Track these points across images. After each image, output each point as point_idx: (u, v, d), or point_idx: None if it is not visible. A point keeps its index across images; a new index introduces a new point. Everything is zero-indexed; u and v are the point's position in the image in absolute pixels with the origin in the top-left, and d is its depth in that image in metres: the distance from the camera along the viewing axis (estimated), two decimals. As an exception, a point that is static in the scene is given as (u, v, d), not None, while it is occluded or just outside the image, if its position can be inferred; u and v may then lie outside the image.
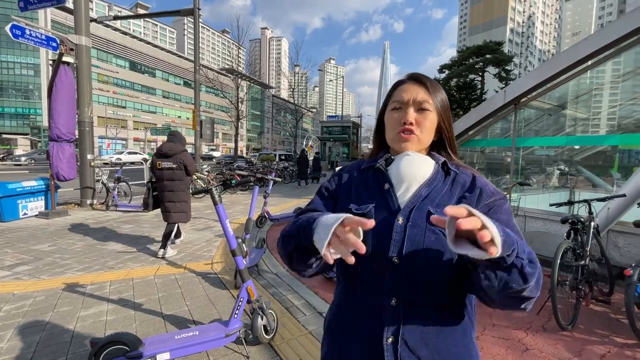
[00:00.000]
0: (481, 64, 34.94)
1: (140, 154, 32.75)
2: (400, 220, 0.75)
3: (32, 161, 25.75)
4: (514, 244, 0.58)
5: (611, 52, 3.92)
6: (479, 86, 36.45)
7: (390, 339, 0.72)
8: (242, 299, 2.15)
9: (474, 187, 0.79)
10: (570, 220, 2.87)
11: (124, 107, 52.15)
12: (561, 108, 6.06)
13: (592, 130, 8.08)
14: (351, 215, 0.61)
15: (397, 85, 0.87)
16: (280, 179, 4.56)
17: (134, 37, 53.83)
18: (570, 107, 6.35)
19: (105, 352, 1.86)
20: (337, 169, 0.88)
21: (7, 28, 6.08)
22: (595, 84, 6.70)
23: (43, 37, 6.62)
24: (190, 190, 3.81)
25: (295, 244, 0.74)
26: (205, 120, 12.19)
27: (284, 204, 8.58)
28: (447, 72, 37.57)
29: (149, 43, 56.97)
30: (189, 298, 3.01)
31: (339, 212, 0.76)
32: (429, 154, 0.86)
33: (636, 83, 6.71)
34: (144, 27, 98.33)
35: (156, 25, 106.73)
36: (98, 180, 7.77)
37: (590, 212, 3.07)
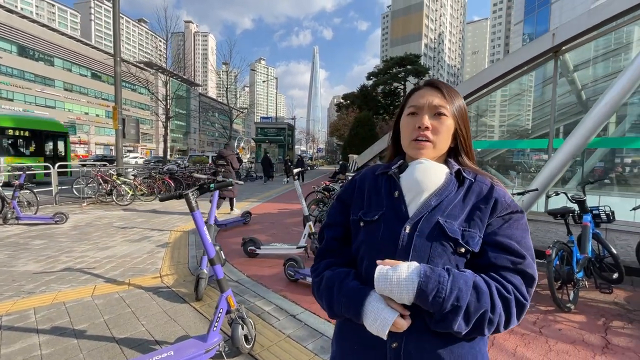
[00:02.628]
0: (403, 73, 38.33)
1: (36, 155, 27.41)
2: (408, 229, 0.74)
3: None
4: (440, 291, 0.63)
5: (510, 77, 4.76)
6: (402, 94, 39.95)
7: (395, 344, 0.71)
8: (221, 310, 2.02)
9: (489, 197, 0.76)
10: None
11: (11, 100, 43.28)
12: (480, 116, 7.05)
13: (489, 136, 9.59)
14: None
15: (414, 91, 0.86)
16: (242, 182, 4.39)
17: (24, 16, 45.18)
18: (482, 116, 7.44)
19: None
20: (350, 176, 1.05)
21: None
22: (490, 101, 8.02)
23: None
24: (161, 195, 3.39)
25: (338, 312, 0.77)
26: (129, 118, 10.93)
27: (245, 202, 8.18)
28: (374, 79, 40.27)
29: (44, 25, 48.36)
30: (143, 317, 2.69)
31: (353, 217, 0.85)
32: (445, 161, 0.84)
33: (517, 104, 8.24)
34: (37, 6, 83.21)
35: (53, 5, 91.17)
36: (-11, 188, 6.33)
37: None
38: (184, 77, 28.07)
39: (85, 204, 8.33)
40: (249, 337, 2.16)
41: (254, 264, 4.14)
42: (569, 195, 3.57)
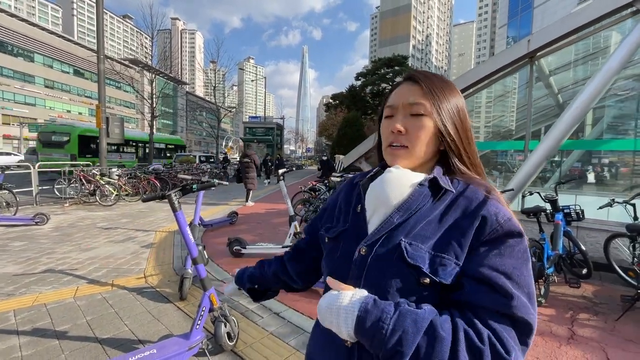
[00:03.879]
0: (391, 74, 38.70)
1: (15, 154, 26.54)
2: (363, 250, 0.64)
3: None
4: (380, 329, 0.51)
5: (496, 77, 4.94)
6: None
7: (348, 342, 0.63)
8: (204, 308, 2.06)
9: (475, 214, 0.60)
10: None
11: (-12, 96, 41.73)
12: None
13: (475, 136, 9.88)
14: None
15: (395, 87, 0.74)
16: (226, 183, 4.39)
17: (1, 10, 43.56)
18: (470, 117, 7.66)
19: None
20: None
21: None
22: (475, 102, 8.25)
23: None
24: (144, 196, 3.40)
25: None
26: (113, 117, 10.73)
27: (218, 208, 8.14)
28: (362, 80, 40.56)
29: (24, 20, 46.77)
30: (127, 317, 2.70)
31: (320, 231, 0.81)
32: (432, 168, 0.69)
33: (502, 105, 8.51)
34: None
35: (33, 0, 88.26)
36: (-35, 189, 6.15)
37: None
38: (170, 75, 27.64)
39: (67, 205, 8.16)
40: (232, 335, 2.21)
41: (240, 263, 4.18)
42: (542, 194, 3.75)
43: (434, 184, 0.65)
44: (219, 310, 2.15)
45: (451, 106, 0.68)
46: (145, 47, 23.88)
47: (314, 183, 7.54)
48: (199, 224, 5.65)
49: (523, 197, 4.23)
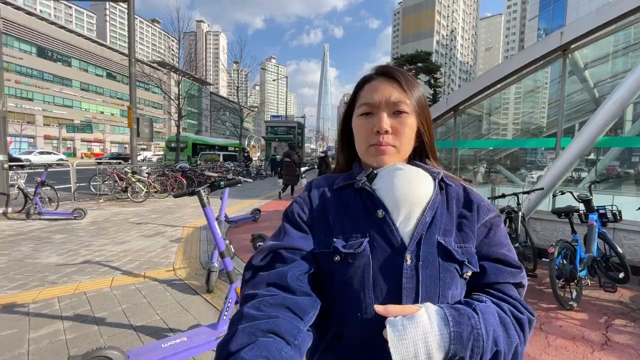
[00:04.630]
0: (414, 71, 37.99)
1: (55, 153, 28.41)
2: (409, 259, 0.56)
3: None
4: (478, 338, 0.47)
5: (528, 71, 4.75)
6: (412, 92, 39.64)
7: None
8: (230, 300, 2.15)
9: (470, 202, 0.65)
10: (506, 211, 3.42)
11: (31, 100, 44.81)
12: (488, 115, 7.01)
13: (502, 134, 9.49)
14: None
15: (364, 82, 0.69)
16: (250, 180, 4.54)
17: (43, 19, 46.61)
18: (494, 114, 7.40)
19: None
20: (305, 183, 0.68)
21: None
22: (504, 99, 7.94)
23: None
24: (175, 192, 3.57)
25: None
26: (143, 118, 11.23)
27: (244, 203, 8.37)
28: (384, 77, 40.07)
29: (62, 27, 49.77)
30: (158, 307, 2.85)
31: (317, 249, 0.61)
32: (412, 164, 0.69)
33: (532, 100, 8.13)
34: (55, 8, 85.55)
35: (70, 7, 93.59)
36: (13, 185, 6.68)
37: (518, 203, 3.70)
38: (195, 76, 28.50)
39: (102, 201, 8.66)
40: (257, 327, 2.29)
41: (263, 259, 4.28)
42: (575, 194, 3.58)
43: (441, 179, 0.66)
44: (244, 303, 2.23)
45: (422, 102, 0.68)
46: (172, 50, 24.77)
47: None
48: (224, 220, 5.85)
49: (554, 196, 4.05)
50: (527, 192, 3.83)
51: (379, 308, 0.50)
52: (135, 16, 10.66)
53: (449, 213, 0.63)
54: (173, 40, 25.42)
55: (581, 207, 3.47)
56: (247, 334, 0.46)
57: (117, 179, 9.08)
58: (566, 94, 4.86)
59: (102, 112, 55.31)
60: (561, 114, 4.56)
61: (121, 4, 10.28)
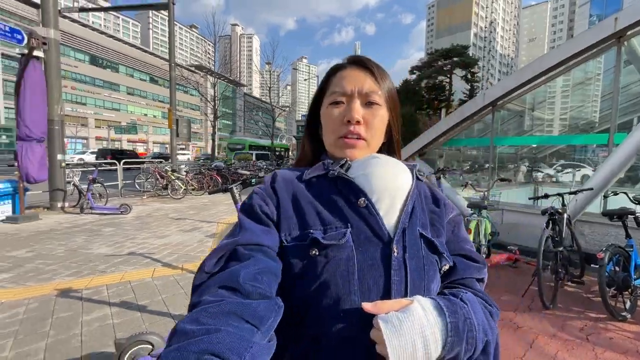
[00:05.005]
0: (449, 66, 36.56)
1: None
2: (396, 250, 0.52)
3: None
4: (471, 328, 0.46)
5: (575, 62, 4.38)
6: (447, 87, 38.16)
7: None
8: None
9: (437, 200, 0.65)
10: (549, 212, 3.20)
11: (84, 104, 48.94)
12: (531, 110, 6.58)
13: (547, 130, 8.83)
14: None
15: (335, 70, 0.66)
16: None
17: (94, 29, 50.66)
18: (537, 109, 6.93)
19: (130, 351, 1.86)
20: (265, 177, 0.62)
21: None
22: (549, 92, 7.38)
23: (7, 28, 6.15)
24: (210, 189, 3.77)
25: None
26: (181, 119, 11.86)
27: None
28: (417, 73, 38.97)
29: (111, 36, 53.82)
30: (194, 298, 3.01)
31: (285, 242, 0.54)
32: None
33: (581, 93, 7.47)
34: (105, 19, 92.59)
35: (118, 17, 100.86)
36: (69, 182, 7.34)
37: (563, 204, 3.44)
38: (230, 78, 29.58)
39: (145, 197, 9.27)
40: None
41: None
42: (631, 195, 3.26)
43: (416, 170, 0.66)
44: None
45: (393, 94, 0.67)
46: (209, 54, 25.86)
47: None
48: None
49: (605, 197, 3.72)
50: (574, 193, 3.55)
51: (367, 306, 0.46)
52: (175, 22, 11.25)
53: (422, 208, 0.62)
54: (209, 44, 26.54)
55: (638, 209, 3.16)
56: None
57: (159, 177, 9.67)
58: (621, 85, 4.44)
59: (145, 115, 59.08)
60: (615, 108, 4.17)
61: (162, 12, 10.93)
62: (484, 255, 3.85)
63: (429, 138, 5.71)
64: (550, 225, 3.23)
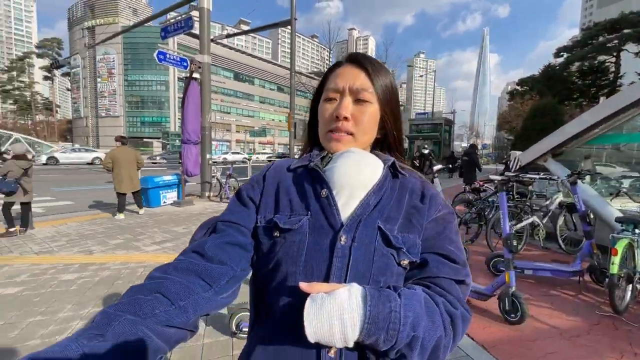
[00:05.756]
0: (616, 41, 28.58)
1: (241, 154, 37.24)
2: (344, 239, 0.56)
3: (164, 160, 31.67)
4: (394, 320, 0.46)
5: None
6: (612, 69, 29.88)
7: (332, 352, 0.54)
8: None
9: (425, 194, 0.65)
10: None
11: (229, 113, 59.73)
12: None
13: None
14: None
15: (333, 68, 0.70)
16: None
17: (237, 50, 61.10)
18: None
19: (238, 315, 2.26)
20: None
21: (155, 54, 7.67)
22: None
23: (178, 58, 8.13)
24: None
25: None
26: (299, 122, 13.13)
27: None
28: (566, 55, 31.93)
29: (248, 55, 63.92)
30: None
31: (259, 223, 0.62)
32: (372, 153, 0.70)
33: None
34: (245, 40, 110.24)
35: (254, 37, 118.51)
36: (213, 176, 9.16)
37: None
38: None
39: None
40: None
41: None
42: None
43: (393, 166, 0.66)
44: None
45: (389, 91, 0.68)
46: (325, 59, 27.63)
47: (481, 183, 6.69)
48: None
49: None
50: None
51: (302, 285, 0.49)
52: (298, 35, 12.50)
53: (398, 202, 0.63)
54: (325, 50, 28.36)
55: None
56: (133, 292, 0.49)
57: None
58: None
59: (273, 120, 67.76)
60: None
61: (288, 28, 12.32)
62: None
63: (565, 135, 4.66)
64: None
